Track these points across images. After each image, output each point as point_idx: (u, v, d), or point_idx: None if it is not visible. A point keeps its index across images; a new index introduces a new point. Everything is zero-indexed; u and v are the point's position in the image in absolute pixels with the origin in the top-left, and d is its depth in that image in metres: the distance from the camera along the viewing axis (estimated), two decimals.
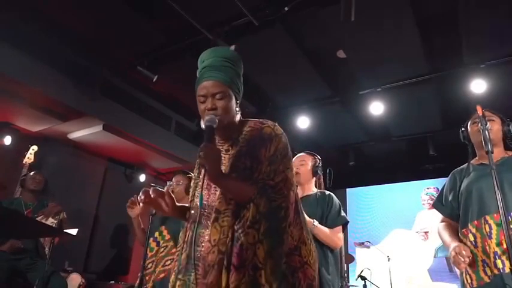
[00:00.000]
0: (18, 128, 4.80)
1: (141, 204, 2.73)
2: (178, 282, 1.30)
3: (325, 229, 2.16)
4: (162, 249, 2.62)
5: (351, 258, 5.52)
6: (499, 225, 1.65)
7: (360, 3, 3.13)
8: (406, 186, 6.99)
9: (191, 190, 1.47)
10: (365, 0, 3.27)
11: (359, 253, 6.62)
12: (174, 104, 5.46)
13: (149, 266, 2.58)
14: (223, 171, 1.32)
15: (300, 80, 4.87)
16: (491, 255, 1.66)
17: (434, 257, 6.31)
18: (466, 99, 4.44)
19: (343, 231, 2.27)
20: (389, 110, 5.00)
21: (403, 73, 4.61)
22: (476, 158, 1.97)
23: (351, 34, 3.90)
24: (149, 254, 2.61)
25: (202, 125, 1.29)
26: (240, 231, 1.21)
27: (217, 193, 1.32)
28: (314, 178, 2.42)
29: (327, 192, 2.36)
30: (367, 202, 7.33)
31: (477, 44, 4.02)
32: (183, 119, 5.72)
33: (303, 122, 5.42)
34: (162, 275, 2.50)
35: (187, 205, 1.46)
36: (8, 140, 4.57)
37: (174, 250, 2.54)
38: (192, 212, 1.41)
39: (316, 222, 2.13)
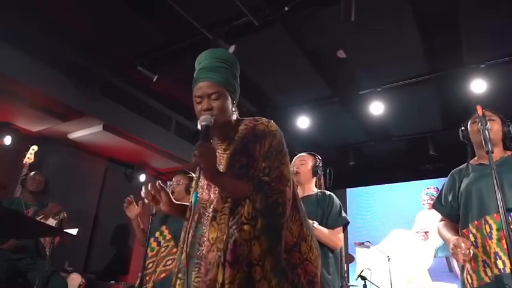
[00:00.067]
0: (18, 128, 4.80)
1: (140, 204, 2.75)
2: (178, 281, 1.31)
3: (325, 230, 2.17)
4: (163, 249, 2.62)
5: (351, 258, 5.52)
6: (499, 225, 1.65)
7: (360, 3, 3.14)
8: (406, 186, 6.99)
9: (192, 190, 1.48)
10: (365, 0, 3.27)
11: (359, 253, 6.62)
12: (174, 104, 5.46)
13: (150, 265, 2.58)
14: (221, 170, 1.33)
15: (300, 80, 4.87)
16: (492, 255, 1.66)
17: (435, 257, 6.31)
18: (466, 99, 4.44)
19: (343, 232, 2.28)
20: (389, 110, 5.00)
21: (403, 73, 4.61)
22: (476, 158, 1.97)
23: (351, 34, 3.90)
24: (150, 254, 2.61)
25: (199, 126, 1.30)
26: (234, 227, 1.21)
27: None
28: (314, 178, 2.43)
29: (328, 192, 2.36)
30: (367, 202, 7.33)
31: (477, 44, 4.02)
32: (183, 119, 5.72)
33: (303, 122, 5.42)
34: (163, 275, 2.50)
35: (187, 204, 1.46)
36: (8, 140, 4.57)
37: (175, 250, 2.54)
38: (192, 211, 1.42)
39: (316, 224, 2.13)
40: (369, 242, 5.64)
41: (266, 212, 1.22)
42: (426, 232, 6.53)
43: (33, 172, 3.55)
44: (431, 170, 6.71)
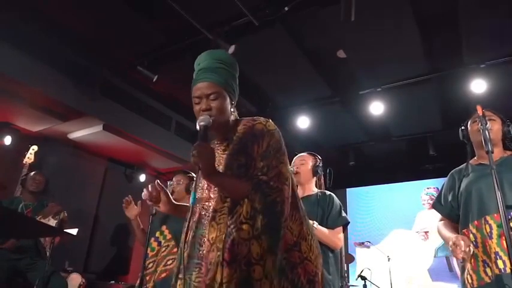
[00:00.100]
0: (18, 128, 4.80)
1: (139, 204, 2.74)
2: (179, 282, 1.31)
3: (326, 230, 2.17)
4: (164, 248, 2.62)
5: (351, 258, 5.52)
6: (499, 225, 1.65)
7: (360, 3, 3.14)
8: (406, 186, 6.99)
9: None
10: (365, 0, 3.27)
11: (359, 253, 6.62)
12: (174, 104, 5.46)
13: (150, 265, 2.57)
14: (220, 171, 1.34)
15: (300, 80, 4.87)
16: (492, 255, 1.66)
17: (435, 257, 6.31)
18: (466, 99, 4.44)
19: (343, 232, 2.28)
20: (389, 110, 5.00)
21: (403, 73, 4.61)
22: (475, 158, 1.97)
23: (351, 34, 3.90)
24: (150, 254, 2.61)
25: (197, 126, 1.31)
26: (232, 226, 1.21)
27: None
28: (314, 178, 2.43)
29: (328, 192, 2.36)
30: (367, 202, 7.33)
31: (477, 44, 4.02)
32: (183, 119, 5.72)
33: (303, 122, 5.42)
34: (163, 275, 2.50)
35: (187, 204, 1.46)
36: (8, 140, 4.57)
37: (175, 250, 2.54)
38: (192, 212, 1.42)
39: (316, 224, 2.13)
40: (369, 242, 5.64)
41: (265, 211, 1.22)
42: (426, 232, 6.53)
43: (33, 172, 3.54)
44: (431, 170, 6.71)
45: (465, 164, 1.94)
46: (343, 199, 7.14)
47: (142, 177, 6.25)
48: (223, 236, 1.22)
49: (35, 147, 3.79)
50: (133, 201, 2.76)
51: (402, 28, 3.83)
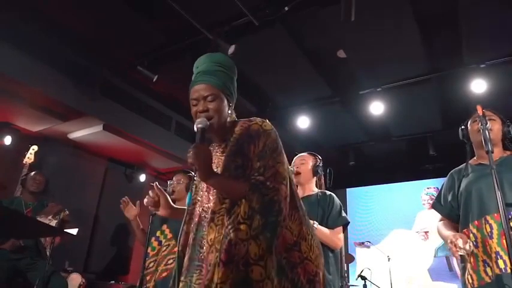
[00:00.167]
0: (18, 128, 4.79)
1: (137, 204, 2.74)
2: (180, 284, 1.31)
3: (326, 230, 2.17)
4: (164, 248, 2.62)
5: (351, 258, 5.52)
6: (499, 225, 1.65)
7: (360, 3, 3.14)
8: (406, 186, 6.99)
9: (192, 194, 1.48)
10: (365, 0, 3.27)
11: (359, 253, 6.62)
12: (174, 104, 5.46)
13: (151, 265, 2.58)
14: (218, 172, 1.34)
15: (300, 80, 4.87)
16: (493, 255, 1.66)
17: (435, 256, 6.31)
18: (466, 99, 4.44)
19: (343, 232, 2.28)
20: (389, 110, 5.00)
21: (403, 73, 4.61)
22: (475, 157, 1.97)
23: (351, 34, 3.90)
24: (151, 253, 2.61)
25: (195, 128, 1.32)
26: (229, 227, 1.21)
27: None
28: (315, 178, 2.43)
29: (328, 192, 2.37)
30: (367, 202, 7.33)
31: (477, 44, 4.02)
32: (183, 119, 5.72)
33: (303, 122, 5.42)
34: (164, 274, 2.50)
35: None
36: (8, 140, 4.57)
37: (176, 249, 2.54)
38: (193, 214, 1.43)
39: (316, 224, 2.13)
40: (369, 242, 5.64)
41: (263, 211, 1.22)
42: (426, 232, 6.54)
43: (33, 172, 3.55)
44: (431, 170, 6.72)
45: (465, 164, 1.95)
46: (343, 199, 7.14)
47: (142, 177, 6.24)
48: (221, 237, 1.22)
49: (35, 147, 3.79)
50: (132, 201, 2.76)
51: (402, 28, 3.84)
